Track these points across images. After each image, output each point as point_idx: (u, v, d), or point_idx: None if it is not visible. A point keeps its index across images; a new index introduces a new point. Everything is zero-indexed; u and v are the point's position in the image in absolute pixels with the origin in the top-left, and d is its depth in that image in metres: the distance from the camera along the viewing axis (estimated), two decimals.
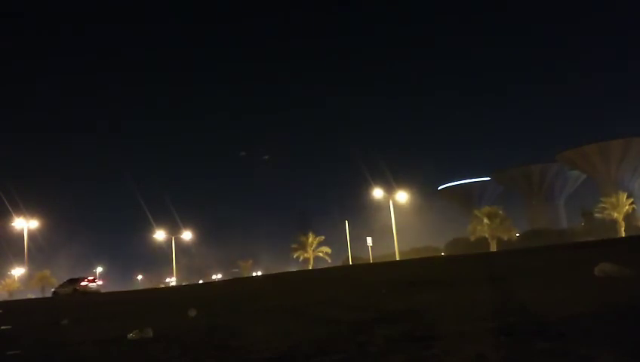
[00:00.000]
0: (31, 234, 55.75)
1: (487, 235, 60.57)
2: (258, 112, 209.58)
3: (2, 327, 12.48)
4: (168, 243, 68.94)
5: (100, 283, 38.02)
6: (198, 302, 14.02)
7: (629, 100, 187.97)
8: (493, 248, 57.30)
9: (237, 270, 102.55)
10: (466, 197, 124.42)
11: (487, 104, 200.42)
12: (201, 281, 77.23)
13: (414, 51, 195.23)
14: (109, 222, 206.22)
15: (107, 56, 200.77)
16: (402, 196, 54.59)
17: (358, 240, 65.87)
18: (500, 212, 61.82)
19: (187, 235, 70.97)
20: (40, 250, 68.62)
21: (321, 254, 64.73)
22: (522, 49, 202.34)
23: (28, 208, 57.03)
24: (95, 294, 30.68)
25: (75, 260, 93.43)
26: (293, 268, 70.79)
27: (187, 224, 73.22)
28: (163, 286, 78.81)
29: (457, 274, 14.89)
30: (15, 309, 22.75)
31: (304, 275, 28.75)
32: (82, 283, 33.71)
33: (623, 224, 61.62)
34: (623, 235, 57.27)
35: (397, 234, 53.04)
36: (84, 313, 15.51)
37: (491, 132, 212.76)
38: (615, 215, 62.02)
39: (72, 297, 28.77)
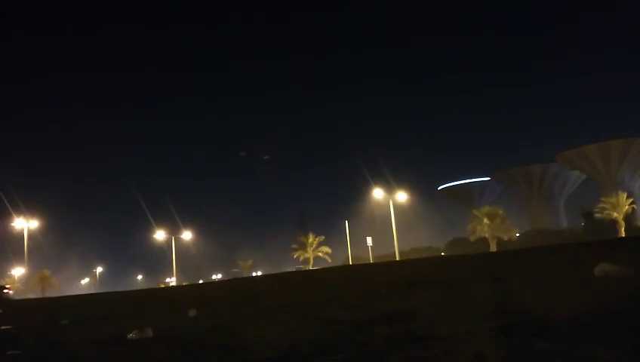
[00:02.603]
0: (31, 234, 55.68)
1: (487, 235, 60.53)
2: (258, 112, 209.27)
3: (2, 327, 12.48)
4: (168, 243, 68.86)
5: (12, 292, 44.17)
6: (198, 302, 14.02)
7: (628, 100, 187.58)
8: (493, 248, 57.25)
9: (237, 270, 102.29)
10: (466, 197, 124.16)
11: (487, 104, 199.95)
12: (201, 281, 77.10)
13: (414, 51, 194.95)
14: (109, 222, 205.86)
15: (107, 55, 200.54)
16: (402, 196, 54.57)
17: (358, 240, 65.94)
18: (500, 212, 61.72)
19: (187, 235, 70.91)
20: (40, 250, 68.55)
21: (321, 254, 64.60)
22: (522, 49, 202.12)
23: (28, 208, 56.95)
24: (7, 300, 36.00)
25: (76, 260, 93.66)
26: (293, 268, 70.76)
27: (187, 224, 73.21)
28: (163, 286, 78.74)
29: (457, 274, 14.88)
30: (15, 309, 22.74)
31: (304, 275, 28.74)
32: (5, 291, 39.96)
33: (623, 224, 61.47)
34: (623, 235, 57.20)
35: (397, 234, 53.05)
36: (84, 313, 15.50)
37: (491, 132, 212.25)
38: (615, 215, 61.89)
39: None
